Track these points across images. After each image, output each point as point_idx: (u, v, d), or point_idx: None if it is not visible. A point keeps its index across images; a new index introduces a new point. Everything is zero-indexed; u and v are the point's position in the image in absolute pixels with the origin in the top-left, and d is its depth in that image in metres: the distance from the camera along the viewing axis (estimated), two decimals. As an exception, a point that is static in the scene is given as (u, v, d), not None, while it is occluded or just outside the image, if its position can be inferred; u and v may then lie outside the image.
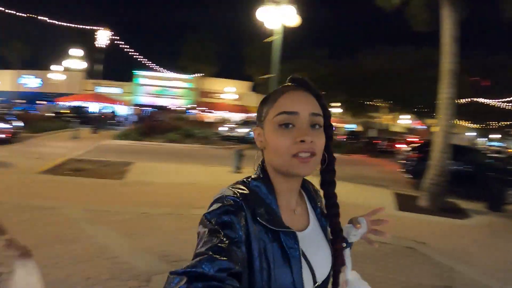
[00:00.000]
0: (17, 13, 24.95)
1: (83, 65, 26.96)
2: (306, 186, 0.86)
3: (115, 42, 29.96)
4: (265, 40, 9.83)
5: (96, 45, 21.33)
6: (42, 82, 32.75)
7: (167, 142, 14.86)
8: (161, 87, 34.37)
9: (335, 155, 0.82)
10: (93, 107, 27.27)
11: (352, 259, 0.87)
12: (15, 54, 31.31)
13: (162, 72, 34.91)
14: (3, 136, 11.09)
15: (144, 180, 6.88)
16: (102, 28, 21.30)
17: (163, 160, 9.78)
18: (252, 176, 0.78)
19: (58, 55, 28.78)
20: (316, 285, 0.74)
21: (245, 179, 0.77)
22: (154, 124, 17.39)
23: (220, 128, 18.60)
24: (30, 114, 19.53)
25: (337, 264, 0.82)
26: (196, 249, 0.59)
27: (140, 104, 32.22)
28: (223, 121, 22.52)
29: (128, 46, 32.48)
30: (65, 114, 22.77)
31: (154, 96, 33.79)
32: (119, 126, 21.38)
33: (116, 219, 4.41)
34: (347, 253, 0.88)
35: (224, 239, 0.59)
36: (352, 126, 32.74)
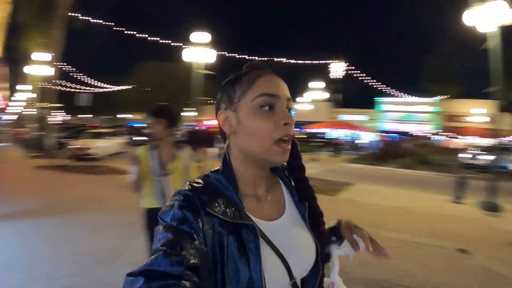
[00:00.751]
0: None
1: (325, 95, 30.34)
2: (280, 172, 0.82)
3: (350, 72, 32.37)
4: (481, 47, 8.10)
5: (332, 77, 24.03)
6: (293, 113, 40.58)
7: (399, 168, 14.63)
8: (406, 113, 33.53)
9: None
10: (337, 133, 30.08)
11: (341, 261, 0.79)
12: None
13: (403, 97, 34.04)
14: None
15: (352, 199, 7.54)
16: (337, 61, 23.86)
17: (385, 185, 9.95)
18: (213, 169, 0.75)
19: (302, 87, 33.92)
20: (293, 280, 0.68)
21: (205, 173, 0.75)
22: (390, 150, 17.50)
23: (460, 155, 16.01)
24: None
25: (322, 254, 0.76)
26: (152, 246, 0.58)
27: (384, 131, 32.68)
28: (466, 147, 19.06)
29: (364, 75, 34.23)
30: (302, 139, 26.96)
31: (398, 122, 33.35)
32: (359, 151, 22.71)
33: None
34: (334, 250, 0.81)
35: (178, 233, 0.58)
36: None
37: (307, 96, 32.68)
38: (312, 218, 0.78)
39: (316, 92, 31.11)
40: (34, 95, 21.55)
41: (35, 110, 19.22)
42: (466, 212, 6.65)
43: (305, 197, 0.79)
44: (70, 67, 31.22)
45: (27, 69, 17.51)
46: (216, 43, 16.32)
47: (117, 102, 40.43)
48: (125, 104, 38.47)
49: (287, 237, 0.70)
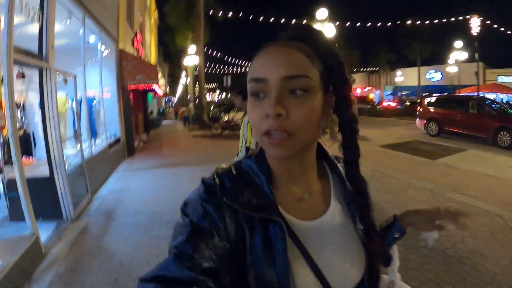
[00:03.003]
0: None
1: (464, 56, 25.77)
2: (335, 164, 0.69)
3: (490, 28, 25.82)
4: None
5: (473, 34, 19.90)
6: (442, 76, 35.75)
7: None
8: None
9: None
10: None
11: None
12: (416, 53, 35.69)
13: None
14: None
15: (454, 165, 7.38)
16: (476, 16, 19.50)
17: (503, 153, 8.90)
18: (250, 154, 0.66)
19: (448, 50, 29.60)
20: None
21: (243, 158, 0.66)
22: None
23: None
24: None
25: (371, 272, 0.63)
26: (170, 243, 0.55)
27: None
28: None
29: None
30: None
31: None
32: None
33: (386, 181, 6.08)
34: (393, 249, 0.75)
35: (194, 232, 0.53)
36: None
37: (454, 56, 28.65)
38: (364, 231, 0.64)
39: (460, 53, 26.81)
40: (189, 80, 26.97)
41: (194, 92, 24.31)
42: None
43: (357, 204, 0.65)
44: (218, 53, 36.65)
45: (185, 61, 22.09)
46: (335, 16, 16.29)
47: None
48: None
49: (325, 243, 0.58)
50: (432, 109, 12.58)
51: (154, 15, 23.39)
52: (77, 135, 5.73)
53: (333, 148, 0.69)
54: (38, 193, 3.86)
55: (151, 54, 20.34)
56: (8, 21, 3.11)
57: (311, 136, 0.58)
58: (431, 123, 12.37)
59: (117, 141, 8.69)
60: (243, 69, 44.44)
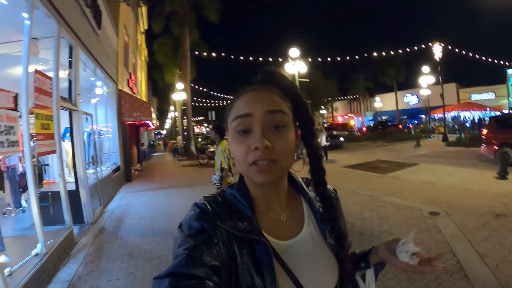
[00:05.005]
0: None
1: (431, 80, 28.30)
2: (304, 188, 0.79)
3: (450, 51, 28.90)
4: None
5: (437, 58, 22.32)
6: (418, 99, 37.31)
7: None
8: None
9: None
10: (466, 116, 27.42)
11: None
12: (392, 79, 38.46)
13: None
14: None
15: (399, 177, 8.92)
16: (437, 42, 22.04)
17: (450, 164, 10.59)
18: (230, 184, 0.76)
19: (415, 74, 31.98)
20: None
21: (224, 188, 0.75)
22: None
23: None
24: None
25: (343, 280, 0.72)
26: (174, 252, 0.60)
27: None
28: None
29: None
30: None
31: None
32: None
33: (356, 198, 7.57)
34: (368, 274, 0.80)
35: (198, 240, 0.60)
36: None
37: (422, 81, 31.24)
38: (335, 242, 0.74)
39: (426, 77, 29.36)
40: (177, 114, 28.61)
41: (182, 125, 25.89)
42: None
43: (328, 217, 0.75)
44: (204, 88, 39.03)
45: (173, 96, 23.87)
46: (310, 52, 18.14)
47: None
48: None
49: (302, 258, 0.68)
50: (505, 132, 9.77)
51: (144, 52, 25.36)
52: (93, 160, 7.18)
53: (303, 172, 0.80)
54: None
55: (142, 90, 22.04)
56: (56, 77, 4.64)
57: (290, 163, 0.68)
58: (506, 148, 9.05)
59: (118, 169, 10.12)
60: (226, 102, 47.03)
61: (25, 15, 3.79)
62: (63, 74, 5.47)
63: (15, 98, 3.56)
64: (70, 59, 5.70)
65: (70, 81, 5.75)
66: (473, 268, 3.36)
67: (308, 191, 0.78)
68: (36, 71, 3.97)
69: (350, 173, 10.20)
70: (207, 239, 0.61)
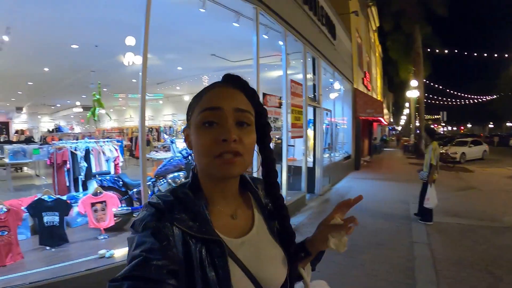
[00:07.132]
0: None
1: None
2: (252, 186, 0.82)
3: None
4: None
5: None
6: None
7: None
8: None
9: None
10: None
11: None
12: None
13: None
14: None
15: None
16: None
17: None
18: (182, 183, 0.75)
19: None
20: None
21: (176, 187, 0.73)
22: None
23: None
24: None
25: (292, 271, 0.78)
26: (129, 253, 0.59)
27: None
28: None
29: None
30: None
31: None
32: None
33: None
34: (306, 268, 0.86)
35: (154, 241, 0.59)
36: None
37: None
38: (284, 237, 0.79)
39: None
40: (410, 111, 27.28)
41: (415, 123, 24.71)
42: None
43: (279, 215, 0.80)
44: (439, 85, 35.03)
45: (407, 93, 23.17)
46: None
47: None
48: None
49: (254, 254, 0.70)
50: None
51: (378, 49, 25.73)
52: (329, 147, 9.05)
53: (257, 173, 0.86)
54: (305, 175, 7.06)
55: (377, 86, 22.74)
56: (304, 83, 6.41)
57: (251, 160, 0.70)
58: None
59: (348, 157, 11.73)
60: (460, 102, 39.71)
61: (280, 42, 5.67)
62: (309, 80, 7.31)
63: (280, 99, 5.51)
64: (313, 67, 7.50)
65: (314, 85, 7.58)
66: None
67: (256, 189, 0.81)
68: (292, 81, 5.86)
69: None
70: (163, 239, 0.60)
